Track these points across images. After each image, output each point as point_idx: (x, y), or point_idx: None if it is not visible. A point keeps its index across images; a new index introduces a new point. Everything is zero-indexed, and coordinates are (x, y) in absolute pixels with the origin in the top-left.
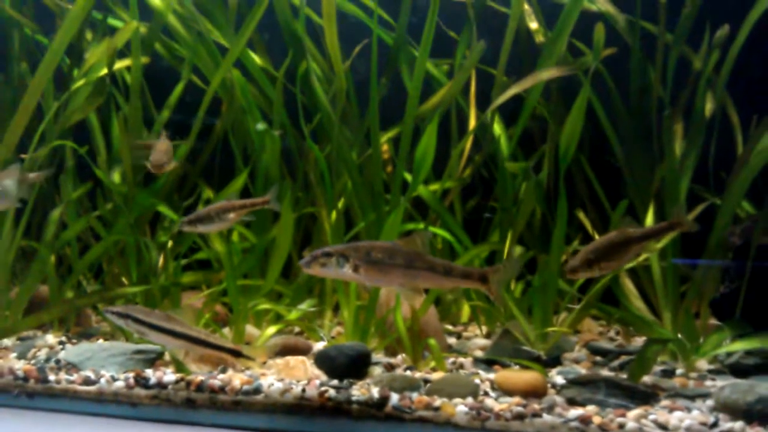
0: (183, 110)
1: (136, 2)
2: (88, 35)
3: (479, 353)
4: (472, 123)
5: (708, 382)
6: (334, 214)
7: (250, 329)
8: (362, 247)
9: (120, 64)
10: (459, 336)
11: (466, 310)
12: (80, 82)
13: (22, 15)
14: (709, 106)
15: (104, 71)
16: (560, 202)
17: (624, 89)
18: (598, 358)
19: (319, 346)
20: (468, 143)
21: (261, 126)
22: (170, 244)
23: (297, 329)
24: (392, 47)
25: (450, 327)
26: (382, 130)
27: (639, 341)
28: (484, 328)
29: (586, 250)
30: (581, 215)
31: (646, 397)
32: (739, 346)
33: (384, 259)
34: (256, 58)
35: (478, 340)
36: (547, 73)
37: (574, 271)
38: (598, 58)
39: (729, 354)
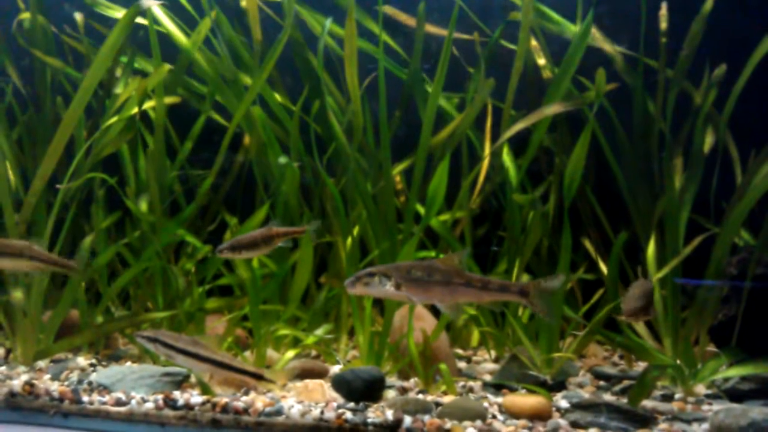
0: (207, 146)
1: (158, 50)
2: (118, 70)
3: (488, 377)
4: (484, 155)
5: (705, 407)
6: (349, 242)
7: (270, 353)
8: (403, 266)
9: (149, 104)
10: (469, 360)
11: (475, 335)
12: (112, 120)
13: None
14: (709, 141)
15: (135, 110)
16: (565, 234)
17: (628, 122)
18: (602, 383)
19: (335, 369)
20: (482, 175)
21: (283, 159)
22: (193, 270)
23: (314, 353)
24: (406, 82)
25: (460, 351)
26: (396, 159)
27: (641, 366)
28: (493, 353)
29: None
30: (587, 243)
31: (645, 420)
32: (735, 371)
33: (424, 277)
34: (276, 95)
35: (487, 365)
36: (552, 109)
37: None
38: (599, 101)
39: (726, 379)
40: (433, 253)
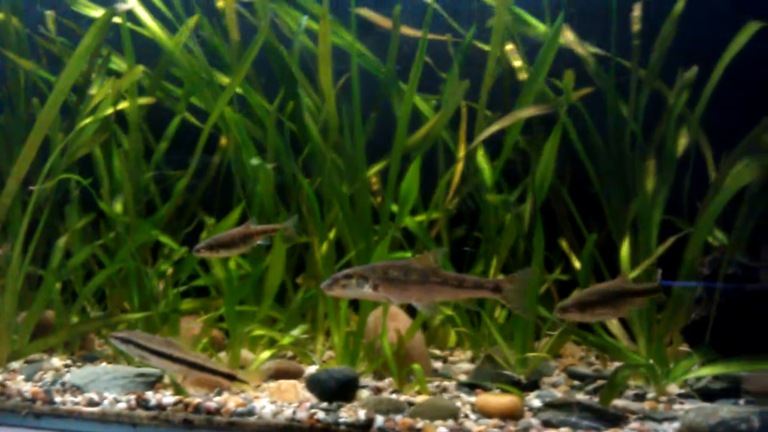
0: (185, 146)
1: (132, 50)
2: (93, 75)
3: (464, 377)
4: (458, 156)
5: (677, 406)
6: (324, 246)
7: (246, 353)
8: (379, 267)
9: (124, 104)
10: (445, 360)
11: (453, 335)
12: (87, 120)
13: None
14: (683, 142)
15: (110, 110)
16: (537, 234)
17: (602, 124)
18: (576, 382)
19: (310, 370)
20: (456, 176)
21: (255, 161)
22: (170, 271)
23: (291, 353)
24: (382, 82)
25: (437, 351)
26: (374, 159)
27: (616, 366)
28: (469, 353)
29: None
30: (564, 244)
31: (616, 419)
32: (707, 371)
33: (401, 277)
34: (254, 94)
35: (463, 365)
36: (526, 112)
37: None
38: (568, 103)
39: (698, 379)
40: (408, 254)
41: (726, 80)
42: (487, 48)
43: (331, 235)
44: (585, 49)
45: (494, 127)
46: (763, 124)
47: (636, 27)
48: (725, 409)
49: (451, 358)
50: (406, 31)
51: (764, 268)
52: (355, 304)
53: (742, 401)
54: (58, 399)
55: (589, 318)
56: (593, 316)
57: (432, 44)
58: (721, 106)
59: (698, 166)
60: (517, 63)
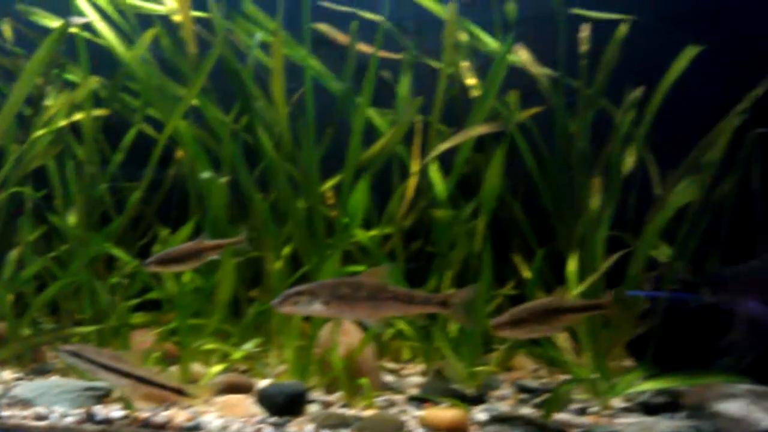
0: (140, 158)
1: (87, 61)
2: (49, 88)
3: (415, 391)
4: (412, 172)
5: (619, 420)
6: (278, 264)
7: (199, 368)
8: (329, 284)
9: (80, 115)
10: (397, 374)
11: (407, 348)
12: (41, 132)
13: None
14: (630, 160)
15: (64, 122)
16: (485, 250)
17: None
18: (524, 396)
19: (262, 384)
20: (410, 191)
21: (206, 174)
22: (125, 283)
23: (245, 367)
24: (339, 97)
25: (392, 364)
26: (331, 173)
27: (563, 379)
28: (422, 367)
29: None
30: (516, 258)
31: None
32: (649, 386)
33: (351, 293)
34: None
35: (415, 378)
36: (477, 130)
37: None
38: (512, 123)
39: (641, 393)
40: (363, 268)
41: (670, 100)
42: (440, 65)
43: (287, 249)
44: (538, 68)
45: (445, 145)
46: (703, 143)
47: (584, 47)
48: (663, 424)
49: (404, 372)
50: (361, 47)
51: (705, 284)
52: (308, 318)
53: (680, 415)
54: (5, 413)
55: (523, 334)
56: (527, 333)
57: (392, 59)
58: (667, 126)
59: (645, 184)
60: (472, 80)
